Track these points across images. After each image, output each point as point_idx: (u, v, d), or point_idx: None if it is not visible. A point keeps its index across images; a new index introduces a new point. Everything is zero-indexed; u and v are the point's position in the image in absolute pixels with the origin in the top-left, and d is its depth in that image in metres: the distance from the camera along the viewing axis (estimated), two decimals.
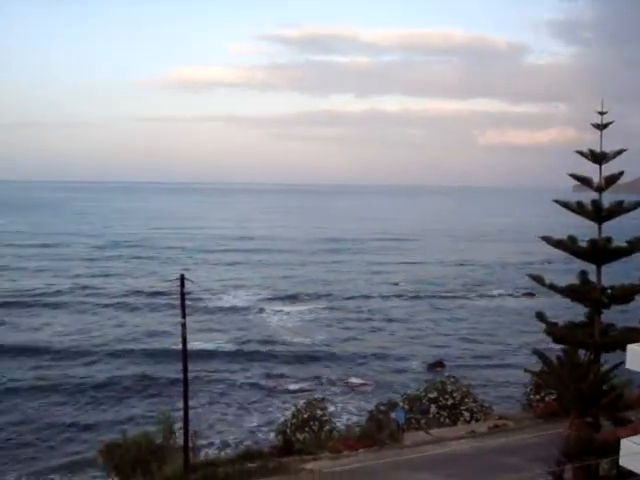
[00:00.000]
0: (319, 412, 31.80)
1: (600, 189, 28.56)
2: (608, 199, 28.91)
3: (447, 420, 33.26)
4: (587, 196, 29.15)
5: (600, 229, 28.70)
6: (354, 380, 51.53)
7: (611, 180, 28.52)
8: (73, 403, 46.09)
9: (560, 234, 30.31)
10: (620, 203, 28.34)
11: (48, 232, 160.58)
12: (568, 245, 29.09)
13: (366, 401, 45.18)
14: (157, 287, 72.87)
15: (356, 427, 34.18)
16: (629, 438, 21.36)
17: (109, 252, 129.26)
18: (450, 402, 33.54)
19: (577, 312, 30.22)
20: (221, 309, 78.11)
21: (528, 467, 25.70)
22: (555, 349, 29.09)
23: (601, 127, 28.38)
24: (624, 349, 22.42)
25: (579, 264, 29.77)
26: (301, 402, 34.26)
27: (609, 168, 28.59)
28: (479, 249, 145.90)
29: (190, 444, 26.98)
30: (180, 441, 27.59)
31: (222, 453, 33.48)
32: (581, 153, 28.74)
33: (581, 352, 27.66)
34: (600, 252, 28.28)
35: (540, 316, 29.81)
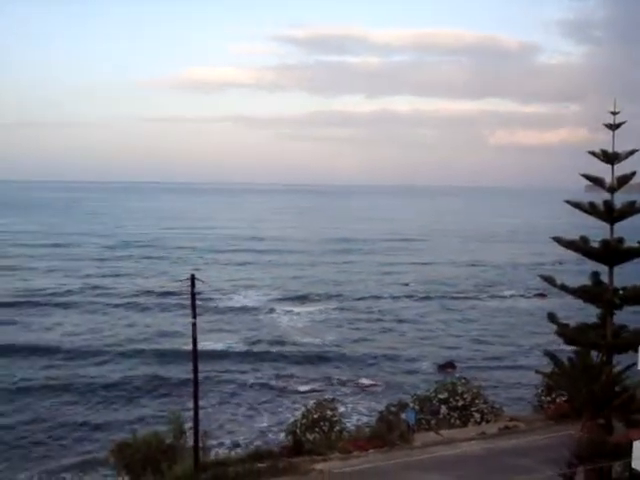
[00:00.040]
0: (329, 412, 31.82)
1: (612, 189, 28.33)
2: (620, 199, 28.72)
3: (457, 421, 33.20)
4: (599, 197, 28.94)
5: (612, 230, 28.48)
6: (364, 381, 51.49)
7: (623, 180, 28.28)
8: (84, 403, 46.36)
9: (571, 235, 30.12)
10: (632, 203, 28.11)
11: (59, 232, 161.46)
12: (580, 246, 28.86)
13: (376, 402, 45.17)
14: (168, 287, 72.90)
15: (366, 428, 34.20)
16: None
17: (120, 252, 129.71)
18: (461, 403, 33.47)
19: (589, 313, 29.96)
20: (231, 309, 78.28)
21: (539, 469, 25.61)
22: (567, 350, 28.91)
23: (613, 127, 28.15)
24: (636, 350, 22.30)
25: (591, 265, 29.56)
26: (311, 402, 34.32)
27: (621, 168, 28.38)
28: (490, 250, 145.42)
29: (200, 444, 27.00)
30: (190, 441, 27.65)
31: (232, 453, 33.59)
32: (593, 153, 28.53)
33: (593, 354, 27.49)
34: (612, 253, 28.04)
35: (551, 317, 29.57)
